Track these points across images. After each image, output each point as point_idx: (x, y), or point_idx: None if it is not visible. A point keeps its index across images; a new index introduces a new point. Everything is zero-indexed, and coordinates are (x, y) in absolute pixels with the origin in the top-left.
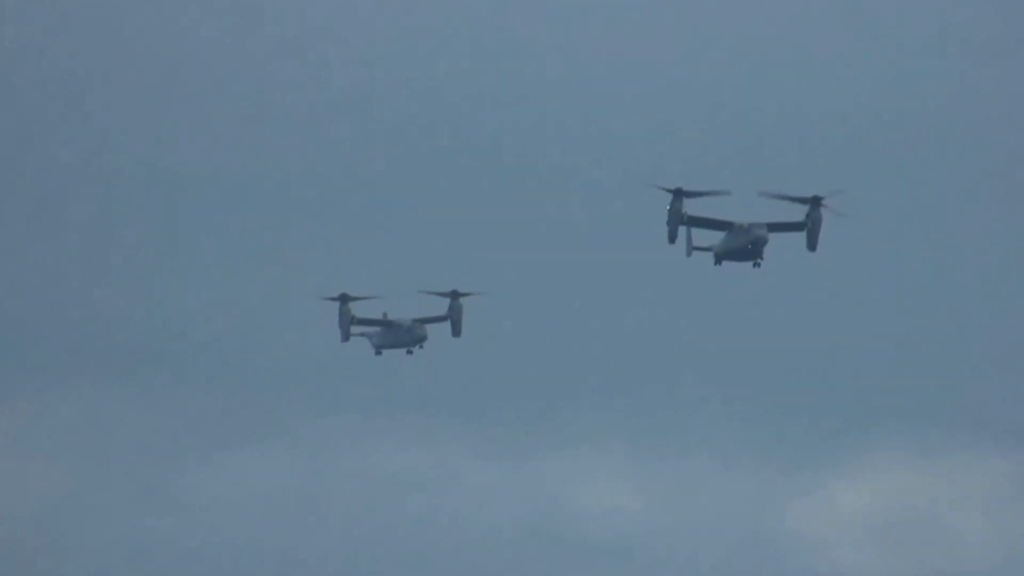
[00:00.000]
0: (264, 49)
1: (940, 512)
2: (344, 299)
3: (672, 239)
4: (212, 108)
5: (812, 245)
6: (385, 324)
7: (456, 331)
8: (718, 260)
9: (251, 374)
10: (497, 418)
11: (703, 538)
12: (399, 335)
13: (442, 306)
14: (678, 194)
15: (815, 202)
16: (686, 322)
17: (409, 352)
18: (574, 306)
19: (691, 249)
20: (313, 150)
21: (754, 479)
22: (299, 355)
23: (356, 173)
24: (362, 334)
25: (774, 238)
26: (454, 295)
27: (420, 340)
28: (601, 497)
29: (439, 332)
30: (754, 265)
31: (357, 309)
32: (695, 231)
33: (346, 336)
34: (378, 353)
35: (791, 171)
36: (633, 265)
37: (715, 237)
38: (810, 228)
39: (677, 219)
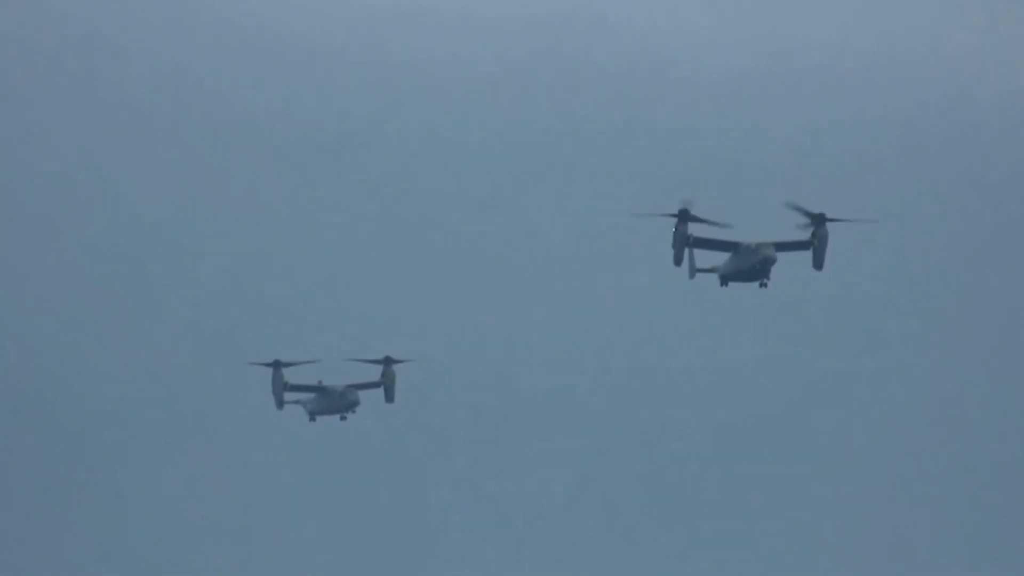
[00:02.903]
0: (196, 112)
1: None
2: (277, 365)
3: (678, 261)
4: (146, 175)
5: (818, 264)
6: (318, 390)
7: (389, 397)
8: (724, 281)
9: (188, 443)
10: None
11: None
12: (332, 401)
13: (375, 373)
14: (683, 216)
15: (820, 220)
16: (691, 349)
17: (343, 418)
18: (565, 337)
19: (694, 271)
20: (250, 216)
21: None
22: (234, 421)
23: (289, 238)
24: (296, 401)
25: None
26: (387, 362)
27: (353, 406)
28: None
29: (372, 398)
30: (761, 285)
31: (290, 375)
32: (701, 252)
33: (280, 403)
34: (312, 419)
35: (799, 189)
36: (640, 288)
37: (719, 258)
38: (816, 247)
39: (683, 241)
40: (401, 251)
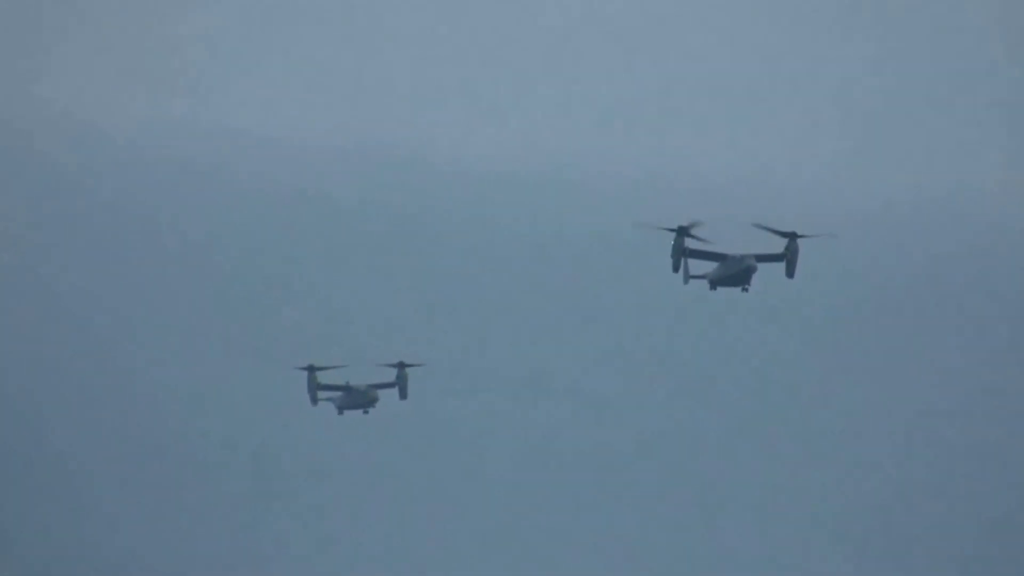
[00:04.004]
0: (227, 135)
1: None
2: (312, 369)
3: (676, 269)
4: (191, 190)
5: (790, 273)
6: (345, 389)
7: (403, 395)
8: (713, 286)
9: (241, 431)
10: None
11: None
12: (356, 398)
13: (391, 375)
14: (681, 231)
15: (792, 236)
16: (684, 340)
17: (365, 412)
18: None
19: (688, 277)
20: (296, 256)
21: None
22: (277, 415)
23: (322, 270)
24: (327, 398)
25: (759, 267)
26: (401, 366)
27: (373, 402)
28: None
29: (389, 396)
30: (742, 290)
31: (322, 377)
32: (694, 262)
33: (315, 400)
34: (340, 413)
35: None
36: (643, 290)
37: (709, 266)
38: (788, 258)
39: (680, 252)
40: (409, 274)
